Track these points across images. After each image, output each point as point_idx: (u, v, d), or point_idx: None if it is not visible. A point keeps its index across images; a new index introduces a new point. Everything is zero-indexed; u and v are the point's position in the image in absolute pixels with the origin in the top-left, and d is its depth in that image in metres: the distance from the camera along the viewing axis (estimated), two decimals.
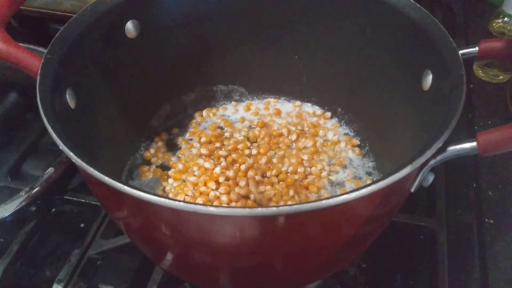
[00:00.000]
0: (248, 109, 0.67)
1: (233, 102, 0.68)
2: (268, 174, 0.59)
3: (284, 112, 0.67)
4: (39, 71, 0.43)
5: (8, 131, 0.69)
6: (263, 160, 0.60)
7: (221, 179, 0.57)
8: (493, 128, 0.39)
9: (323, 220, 0.38)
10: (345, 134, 0.64)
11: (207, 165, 0.58)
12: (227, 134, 0.63)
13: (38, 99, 0.41)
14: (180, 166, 0.59)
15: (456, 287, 0.52)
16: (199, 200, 0.56)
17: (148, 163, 0.61)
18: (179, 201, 0.34)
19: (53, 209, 0.61)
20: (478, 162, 0.63)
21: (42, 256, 0.58)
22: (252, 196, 0.55)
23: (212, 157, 0.61)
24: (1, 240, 0.57)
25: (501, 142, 0.39)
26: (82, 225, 0.60)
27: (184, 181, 0.58)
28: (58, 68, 0.45)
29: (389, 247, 0.56)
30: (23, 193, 0.53)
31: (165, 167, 0.61)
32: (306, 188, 0.57)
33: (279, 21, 0.60)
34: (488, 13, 0.80)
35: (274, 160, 0.60)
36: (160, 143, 0.63)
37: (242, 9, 0.60)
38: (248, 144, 0.62)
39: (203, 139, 0.62)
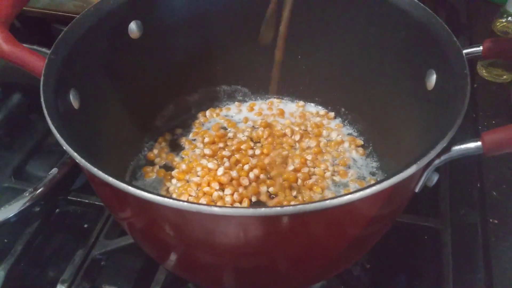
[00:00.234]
0: (251, 109, 0.67)
1: (236, 103, 0.68)
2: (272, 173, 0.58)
3: (288, 112, 0.66)
4: (43, 71, 0.43)
5: (12, 132, 0.69)
6: (266, 160, 0.59)
7: (224, 179, 0.57)
8: (498, 127, 0.39)
9: (327, 220, 0.38)
10: (349, 134, 0.64)
11: (210, 165, 0.58)
12: (230, 135, 0.63)
13: (42, 100, 0.41)
14: (183, 166, 0.59)
15: (460, 287, 0.52)
16: (203, 200, 0.56)
17: (152, 163, 0.61)
18: (183, 201, 0.34)
19: (57, 210, 0.61)
20: (482, 162, 0.63)
21: (46, 256, 0.58)
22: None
23: (215, 157, 0.61)
24: (5, 240, 0.57)
25: (505, 142, 0.39)
26: (85, 225, 0.60)
27: (187, 181, 0.58)
28: (61, 68, 0.45)
29: (393, 248, 0.56)
30: (27, 194, 0.53)
31: (168, 168, 0.61)
32: (310, 188, 0.57)
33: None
34: (492, 13, 0.80)
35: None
36: (163, 144, 0.63)
37: (245, 9, 0.60)
38: (252, 144, 0.62)
39: (206, 140, 0.62)
